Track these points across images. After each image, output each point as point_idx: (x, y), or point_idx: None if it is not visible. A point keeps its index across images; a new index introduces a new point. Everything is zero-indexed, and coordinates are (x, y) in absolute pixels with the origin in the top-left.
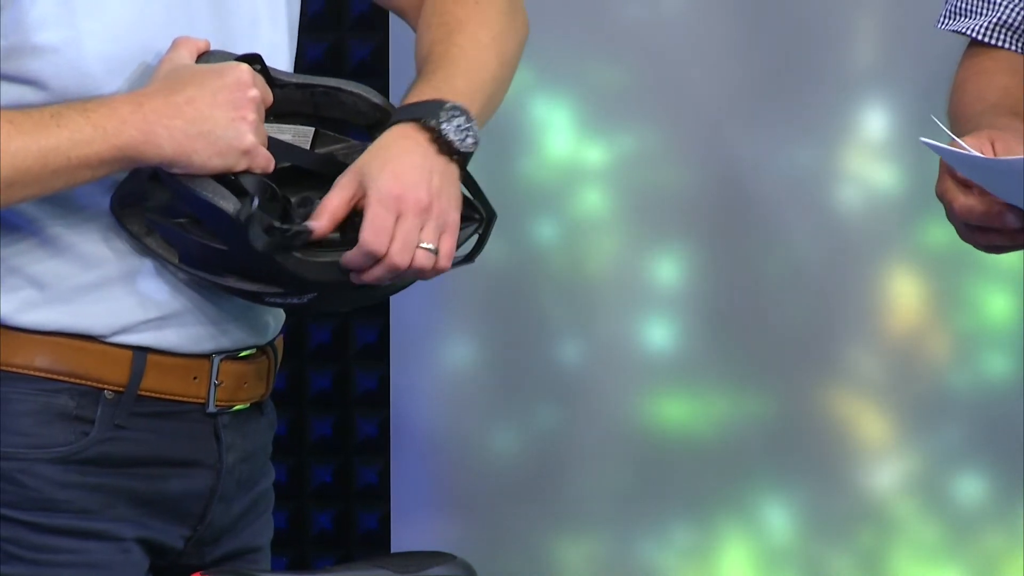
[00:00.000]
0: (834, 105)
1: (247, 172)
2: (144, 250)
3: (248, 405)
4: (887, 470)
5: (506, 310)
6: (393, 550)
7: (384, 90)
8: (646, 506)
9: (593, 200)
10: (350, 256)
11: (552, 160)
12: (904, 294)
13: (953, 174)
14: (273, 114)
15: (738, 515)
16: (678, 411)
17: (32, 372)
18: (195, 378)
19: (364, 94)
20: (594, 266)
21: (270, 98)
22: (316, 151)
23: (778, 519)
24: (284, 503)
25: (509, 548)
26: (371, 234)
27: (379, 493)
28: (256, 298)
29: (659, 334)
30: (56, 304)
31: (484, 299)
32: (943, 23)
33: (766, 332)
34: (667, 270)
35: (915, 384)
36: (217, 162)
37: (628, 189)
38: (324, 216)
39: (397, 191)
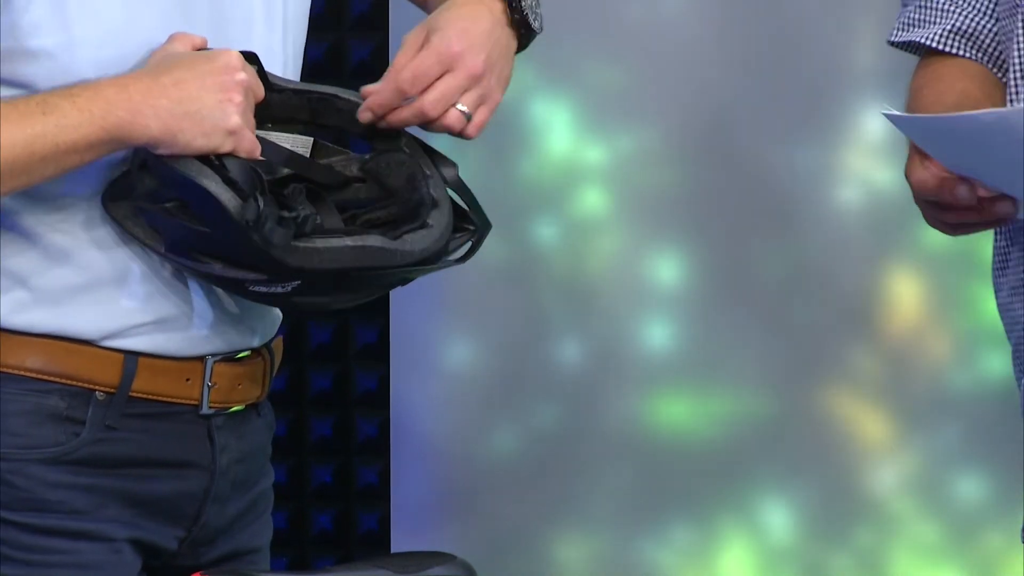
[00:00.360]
0: (834, 105)
1: (232, 156)
2: (129, 239)
3: (243, 407)
4: (887, 470)
5: (506, 310)
6: (393, 550)
7: None
8: (646, 506)
9: (593, 200)
10: (380, 90)
11: (552, 160)
12: (904, 294)
13: (914, 146)
14: (271, 120)
15: (738, 515)
16: (678, 411)
17: (23, 372)
18: (188, 380)
19: (360, 102)
20: (594, 266)
21: (261, 91)
22: (316, 161)
23: (778, 519)
24: (284, 503)
25: (509, 548)
26: (409, 75)
27: (379, 493)
28: (240, 287)
29: (659, 334)
30: (46, 306)
31: (484, 299)
32: (896, 36)
33: (765, 332)
34: (667, 270)
35: (915, 384)
36: (202, 142)
37: (628, 189)
38: (389, 76)
39: (457, 48)
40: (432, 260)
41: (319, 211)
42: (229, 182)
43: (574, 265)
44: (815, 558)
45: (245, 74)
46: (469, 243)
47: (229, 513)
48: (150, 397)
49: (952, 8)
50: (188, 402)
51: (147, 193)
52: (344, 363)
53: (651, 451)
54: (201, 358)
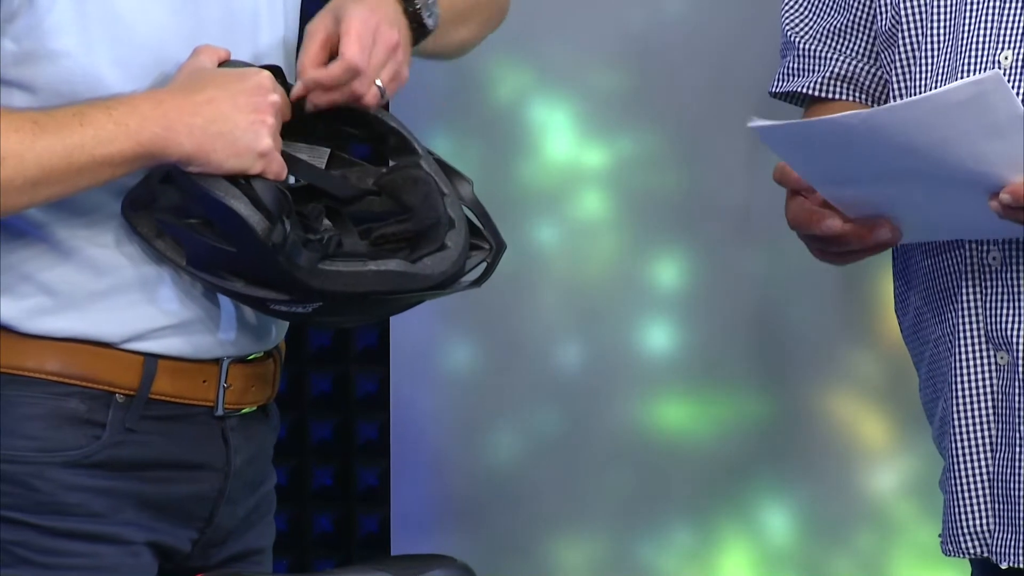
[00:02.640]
0: None
1: (260, 177)
2: (153, 253)
3: (254, 408)
4: (887, 472)
5: (506, 313)
6: (393, 553)
7: None
8: (646, 509)
9: (593, 203)
10: (329, 70)
11: (552, 163)
12: None
13: (814, 206)
14: (289, 131)
15: (738, 518)
16: (678, 414)
17: (43, 376)
18: (204, 381)
19: (376, 113)
20: (594, 269)
21: (289, 110)
22: (331, 172)
23: (778, 522)
24: (285, 506)
25: (509, 551)
26: (357, 49)
27: (379, 496)
28: (261, 305)
29: (659, 337)
30: (67, 312)
31: (484, 302)
32: (776, 87)
33: (766, 335)
34: (667, 273)
35: (915, 386)
36: (234, 163)
37: (628, 192)
38: (305, 68)
39: (375, 21)
40: (448, 283)
41: (338, 229)
42: (257, 203)
43: (574, 268)
44: (815, 561)
45: (276, 95)
46: (483, 263)
47: (239, 514)
48: (167, 399)
49: (830, 55)
50: (204, 403)
51: (171, 207)
52: (344, 366)
53: (651, 454)
54: (217, 360)
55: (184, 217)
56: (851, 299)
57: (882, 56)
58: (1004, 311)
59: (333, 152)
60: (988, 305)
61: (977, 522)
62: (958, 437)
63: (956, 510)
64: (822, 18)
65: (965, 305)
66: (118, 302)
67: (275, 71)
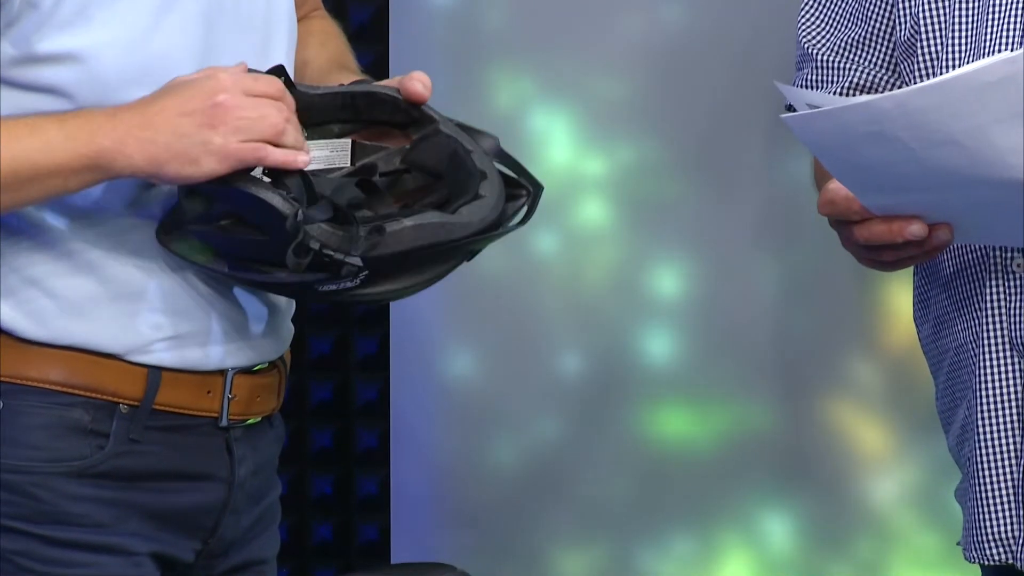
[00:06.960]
0: None
1: (289, 172)
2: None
3: (259, 419)
4: (887, 481)
5: (506, 321)
6: (393, 561)
7: None
8: (646, 517)
9: (593, 211)
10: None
11: (552, 171)
12: (904, 304)
13: (848, 211)
14: (305, 126)
15: (738, 526)
16: (678, 422)
17: (46, 385)
18: (209, 392)
19: (393, 93)
20: (594, 277)
21: (291, 101)
22: (358, 161)
23: (778, 530)
24: (284, 514)
25: (509, 559)
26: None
27: (379, 504)
28: (308, 290)
29: (659, 345)
30: (72, 319)
31: (484, 310)
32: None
33: (766, 343)
34: (667, 281)
35: (915, 395)
36: (191, 170)
37: (628, 200)
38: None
39: None
40: (492, 228)
41: (372, 201)
42: (280, 186)
43: (574, 276)
44: (815, 569)
45: (226, 95)
46: (524, 207)
47: (243, 525)
48: (171, 410)
49: (849, 67)
50: (208, 414)
51: (198, 216)
52: (344, 374)
53: (651, 462)
54: (222, 371)
55: (213, 221)
56: (851, 308)
57: (902, 66)
58: None
59: (355, 142)
60: (1012, 311)
61: (1002, 528)
62: (982, 443)
63: (980, 516)
64: (840, 30)
65: (990, 311)
66: (123, 313)
67: (278, 72)
